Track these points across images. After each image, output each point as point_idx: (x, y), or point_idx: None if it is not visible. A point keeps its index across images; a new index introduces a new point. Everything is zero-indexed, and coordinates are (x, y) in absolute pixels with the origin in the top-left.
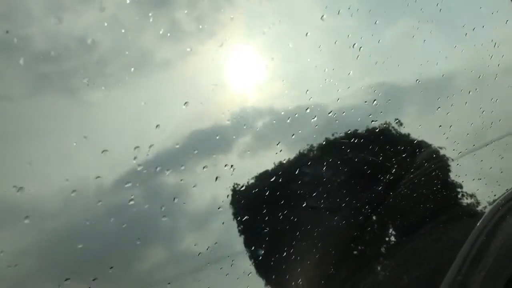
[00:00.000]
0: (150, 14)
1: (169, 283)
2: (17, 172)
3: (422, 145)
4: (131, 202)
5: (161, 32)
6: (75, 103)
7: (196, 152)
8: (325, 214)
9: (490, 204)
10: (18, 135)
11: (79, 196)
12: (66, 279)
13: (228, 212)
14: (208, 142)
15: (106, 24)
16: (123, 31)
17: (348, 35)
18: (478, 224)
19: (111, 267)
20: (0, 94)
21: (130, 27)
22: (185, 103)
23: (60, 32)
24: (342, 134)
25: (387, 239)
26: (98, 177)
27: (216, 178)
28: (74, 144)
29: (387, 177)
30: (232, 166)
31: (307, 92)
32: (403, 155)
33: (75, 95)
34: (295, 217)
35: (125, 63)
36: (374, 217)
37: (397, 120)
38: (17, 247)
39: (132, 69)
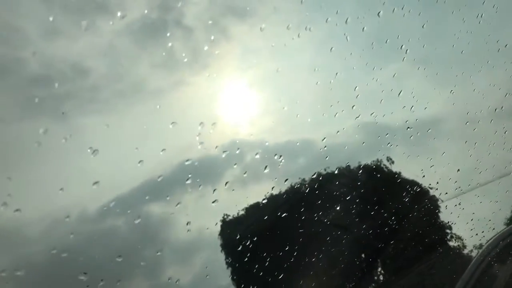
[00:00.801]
0: (145, 44)
1: None
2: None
3: (413, 184)
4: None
5: (155, 62)
6: (66, 127)
7: (183, 183)
8: (318, 249)
9: (476, 247)
10: (8, 155)
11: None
12: None
13: (216, 243)
14: (196, 173)
15: (101, 51)
16: (118, 58)
17: (340, 75)
18: (467, 269)
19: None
20: None
21: (125, 55)
22: (174, 133)
23: (55, 56)
24: (334, 169)
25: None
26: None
27: (202, 207)
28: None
29: (379, 215)
30: (220, 197)
31: (299, 127)
32: (395, 193)
33: (66, 120)
34: (285, 249)
35: (118, 90)
36: (363, 256)
37: (388, 158)
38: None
39: (125, 96)
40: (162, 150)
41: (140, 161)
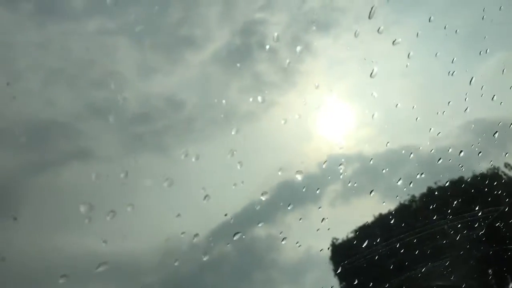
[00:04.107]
0: (233, 69)
1: None
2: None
3: None
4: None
5: (244, 86)
6: (168, 160)
7: (285, 203)
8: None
9: None
10: (116, 192)
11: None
12: None
13: (326, 267)
14: (297, 192)
15: (192, 82)
16: (208, 87)
17: (436, 74)
18: None
19: None
20: (98, 154)
21: (215, 83)
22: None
23: (150, 93)
24: (446, 182)
25: None
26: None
27: (307, 226)
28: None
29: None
30: (324, 216)
31: (399, 135)
32: None
33: (167, 152)
34: (403, 279)
35: (211, 117)
36: None
37: (506, 165)
38: None
39: (218, 123)
40: (260, 171)
41: (235, 184)
